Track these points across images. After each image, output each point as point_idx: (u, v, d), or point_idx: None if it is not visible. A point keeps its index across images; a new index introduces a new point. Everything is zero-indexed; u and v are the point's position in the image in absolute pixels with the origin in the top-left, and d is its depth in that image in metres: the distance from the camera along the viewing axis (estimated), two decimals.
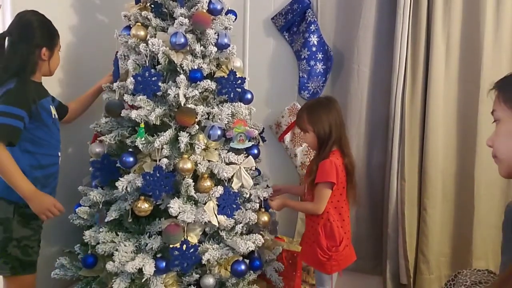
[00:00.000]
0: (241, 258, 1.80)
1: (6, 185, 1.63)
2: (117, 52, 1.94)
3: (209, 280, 1.74)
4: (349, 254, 1.86)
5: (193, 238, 1.74)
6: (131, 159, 1.77)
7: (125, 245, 1.69)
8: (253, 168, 1.92)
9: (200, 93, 1.80)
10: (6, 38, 1.72)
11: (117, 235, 1.75)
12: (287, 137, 2.44)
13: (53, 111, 1.84)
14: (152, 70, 1.76)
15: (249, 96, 1.95)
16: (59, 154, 1.89)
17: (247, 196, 1.86)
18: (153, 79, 1.74)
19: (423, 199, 2.21)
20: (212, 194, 1.74)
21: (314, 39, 2.33)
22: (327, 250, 1.79)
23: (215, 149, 1.85)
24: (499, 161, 1.10)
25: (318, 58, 2.34)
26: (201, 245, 1.76)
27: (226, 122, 1.82)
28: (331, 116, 1.81)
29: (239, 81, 1.86)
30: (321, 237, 1.79)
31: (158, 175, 1.67)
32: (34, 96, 1.70)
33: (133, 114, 1.71)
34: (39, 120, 1.72)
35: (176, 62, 1.79)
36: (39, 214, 1.67)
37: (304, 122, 1.84)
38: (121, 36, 1.90)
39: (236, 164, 1.84)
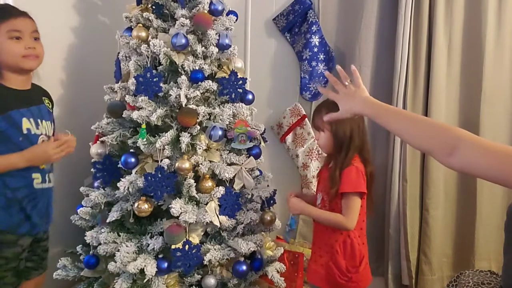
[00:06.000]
0: (242, 259, 1.80)
1: None
2: (118, 53, 1.95)
3: (211, 281, 1.74)
4: (368, 273, 1.65)
5: (195, 239, 1.74)
6: (133, 159, 1.77)
7: (126, 246, 1.69)
8: (255, 169, 1.92)
9: (201, 93, 1.81)
10: None
11: (119, 235, 1.75)
12: (289, 137, 2.44)
13: (29, 125, 1.53)
14: (154, 71, 1.76)
15: (250, 96, 1.95)
16: (35, 176, 1.57)
17: (249, 196, 1.86)
18: (155, 80, 1.74)
19: (425, 199, 2.21)
20: (213, 195, 1.74)
21: (315, 40, 2.33)
22: (347, 272, 1.56)
23: (217, 149, 1.86)
24: None
25: (320, 58, 2.34)
26: (202, 245, 1.76)
27: (228, 123, 1.82)
28: (353, 119, 1.52)
29: (241, 81, 1.86)
30: (340, 256, 1.56)
31: (159, 175, 1.67)
32: None
33: (135, 115, 1.71)
34: (2, 135, 1.46)
35: (177, 63, 1.79)
36: (53, 160, 1.57)
37: (321, 119, 1.56)
38: (123, 37, 1.91)
39: (238, 164, 1.84)
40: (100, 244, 1.75)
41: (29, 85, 1.61)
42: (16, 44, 1.50)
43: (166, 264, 1.69)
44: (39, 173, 1.58)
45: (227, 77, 1.86)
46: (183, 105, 1.75)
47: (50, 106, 1.71)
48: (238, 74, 1.87)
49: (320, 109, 1.65)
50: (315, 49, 2.34)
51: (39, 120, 1.56)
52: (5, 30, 1.49)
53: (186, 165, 1.70)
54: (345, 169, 1.54)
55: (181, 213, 1.67)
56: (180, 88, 1.75)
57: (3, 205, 1.49)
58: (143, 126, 1.73)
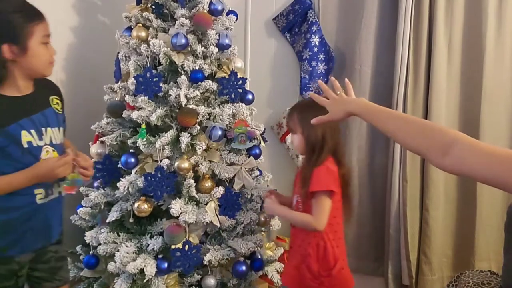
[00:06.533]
0: (242, 259, 1.80)
1: None
2: (118, 53, 1.94)
3: (211, 281, 1.74)
4: (345, 278, 1.57)
5: (195, 239, 1.74)
6: (133, 159, 1.77)
7: (126, 246, 1.69)
8: (255, 169, 1.92)
9: (201, 93, 1.80)
10: None
11: (119, 235, 1.75)
12: (289, 137, 2.43)
13: (29, 138, 1.36)
14: (153, 71, 1.76)
15: (250, 96, 1.95)
16: (38, 191, 1.40)
17: (249, 196, 1.86)
18: (154, 80, 1.74)
19: (425, 200, 2.20)
20: (213, 195, 1.75)
21: (315, 40, 2.33)
22: (318, 275, 1.52)
23: (216, 149, 1.86)
24: None
25: (320, 58, 2.34)
26: (202, 245, 1.76)
27: (228, 123, 1.82)
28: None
29: (240, 81, 1.86)
30: (312, 259, 1.52)
31: (159, 175, 1.67)
32: None
33: (134, 115, 1.71)
34: (3, 152, 1.31)
35: (177, 63, 1.79)
36: (59, 176, 1.40)
37: (293, 121, 1.60)
38: (122, 37, 1.91)
39: (237, 164, 1.84)
40: (100, 244, 1.75)
41: (31, 87, 1.41)
42: (47, 50, 1.37)
43: (166, 264, 1.69)
44: (42, 188, 1.41)
45: (227, 77, 1.86)
46: (183, 105, 1.75)
47: (60, 107, 1.52)
48: (238, 74, 1.87)
49: (293, 112, 1.64)
50: (315, 49, 2.33)
51: (43, 129, 1.40)
52: (41, 34, 1.33)
53: (186, 164, 1.70)
54: (315, 169, 1.52)
55: (181, 213, 1.67)
56: (180, 88, 1.75)
57: None
58: (143, 126, 1.73)
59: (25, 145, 1.35)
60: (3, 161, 1.31)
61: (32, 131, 1.37)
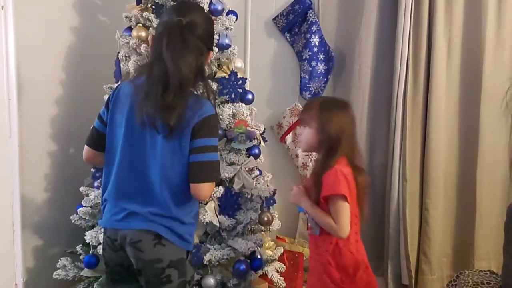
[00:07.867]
0: (242, 258, 1.80)
1: (183, 231, 1.27)
2: (118, 53, 1.95)
3: (210, 281, 1.74)
4: (368, 279, 1.49)
5: (195, 239, 1.74)
6: None
7: None
8: (255, 169, 1.92)
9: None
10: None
11: None
12: (289, 137, 2.44)
13: None
14: None
15: (250, 96, 1.95)
16: None
17: (249, 196, 1.86)
18: None
19: (424, 199, 2.21)
20: (213, 194, 1.75)
21: (315, 40, 2.33)
22: (341, 282, 1.44)
23: None
24: None
25: (320, 58, 2.34)
26: (202, 245, 1.76)
27: (228, 123, 1.82)
28: (345, 120, 1.46)
29: (240, 81, 1.86)
30: (332, 267, 1.45)
31: None
32: None
33: None
34: None
35: None
36: None
37: (311, 114, 1.49)
38: (123, 37, 1.91)
39: (237, 164, 1.84)
40: (100, 243, 1.75)
41: None
42: None
43: None
44: None
45: (227, 77, 1.86)
46: None
47: None
48: (238, 74, 1.87)
49: (312, 105, 1.54)
50: (315, 49, 2.34)
51: None
52: (209, 58, 1.40)
53: None
54: (325, 173, 1.42)
55: None
56: None
57: (194, 225, 1.33)
58: None
59: None
60: None
61: None
